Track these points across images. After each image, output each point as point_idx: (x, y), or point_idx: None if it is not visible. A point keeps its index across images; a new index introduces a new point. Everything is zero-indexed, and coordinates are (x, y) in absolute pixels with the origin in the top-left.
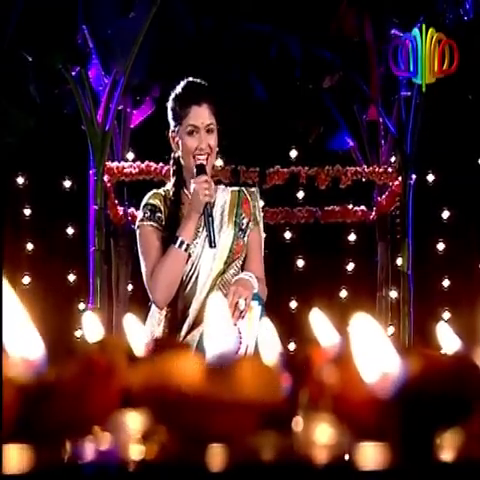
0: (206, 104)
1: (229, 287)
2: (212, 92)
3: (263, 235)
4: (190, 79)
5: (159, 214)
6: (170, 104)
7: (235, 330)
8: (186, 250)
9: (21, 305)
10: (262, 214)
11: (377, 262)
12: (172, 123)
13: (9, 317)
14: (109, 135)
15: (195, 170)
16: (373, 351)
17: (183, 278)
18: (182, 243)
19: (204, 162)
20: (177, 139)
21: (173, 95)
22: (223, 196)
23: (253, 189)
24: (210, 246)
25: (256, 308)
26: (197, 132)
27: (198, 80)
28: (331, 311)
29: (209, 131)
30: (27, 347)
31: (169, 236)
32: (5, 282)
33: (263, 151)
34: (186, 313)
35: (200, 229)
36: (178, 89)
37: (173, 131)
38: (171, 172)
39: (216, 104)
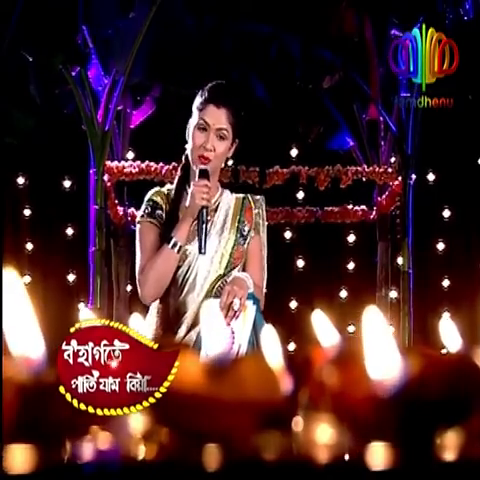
0: (225, 109)
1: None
2: (237, 100)
3: (265, 249)
4: (222, 81)
5: (159, 211)
6: (197, 96)
7: (228, 330)
8: (178, 251)
9: (25, 304)
10: (266, 223)
11: (377, 262)
12: (193, 113)
13: (10, 316)
14: (109, 135)
15: (197, 173)
16: (374, 351)
17: (180, 279)
18: (175, 244)
19: (208, 167)
20: (189, 131)
21: (201, 90)
22: (227, 201)
23: (258, 197)
24: (199, 252)
25: (250, 308)
26: (206, 130)
27: (229, 85)
28: (331, 311)
29: (220, 137)
30: (27, 346)
31: (166, 234)
32: (7, 281)
33: (263, 151)
34: (184, 315)
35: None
36: (208, 85)
37: (190, 122)
38: (180, 166)
39: (237, 113)
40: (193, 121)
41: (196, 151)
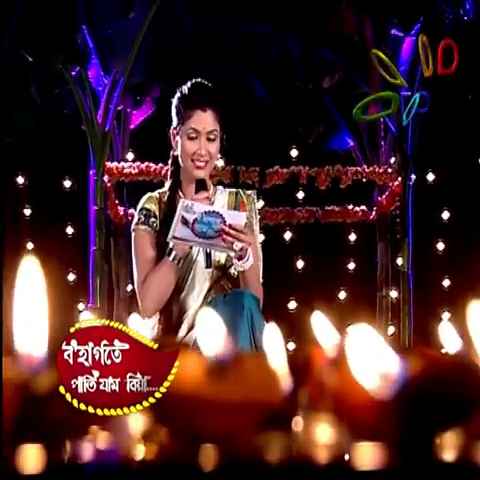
0: (211, 110)
1: (227, 289)
2: (219, 97)
3: (258, 242)
4: (199, 80)
5: (153, 219)
6: (175, 101)
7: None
8: (179, 263)
9: (31, 302)
10: (259, 216)
11: (377, 262)
12: (175, 121)
13: (14, 315)
14: (109, 135)
15: (195, 186)
16: (373, 352)
17: (180, 279)
18: (175, 257)
19: (202, 174)
20: (177, 139)
21: (179, 93)
22: (221, 199)
23: (250, 192)
24: (206, 266)
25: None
26: (197, 137)
27: (206, 83)
28: (331, 311)
29: (210, 139)
30: (29, 345)
31: (163, 241)
32: (26, 271)
33: (263, 151)
34: (184, 315)
35: None
36: (185, 88)
37: (175, 129)
38: (169, 173)
39: (222, 110)
40: (179, 128)
41: (190, 158)
